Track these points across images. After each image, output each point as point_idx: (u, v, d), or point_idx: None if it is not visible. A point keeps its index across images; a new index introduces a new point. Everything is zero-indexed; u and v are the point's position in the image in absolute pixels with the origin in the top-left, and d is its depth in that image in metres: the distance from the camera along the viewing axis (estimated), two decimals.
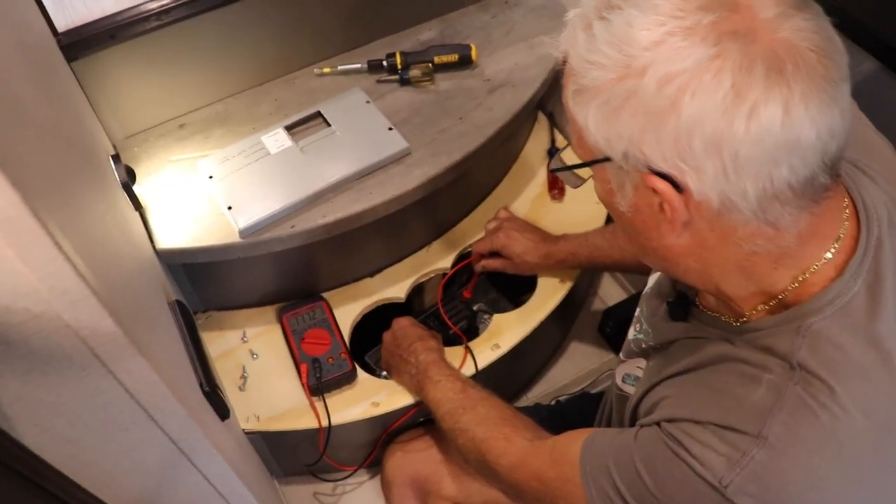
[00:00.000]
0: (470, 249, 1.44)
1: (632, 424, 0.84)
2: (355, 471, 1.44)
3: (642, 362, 0.91)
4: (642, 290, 1.48)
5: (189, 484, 0.84)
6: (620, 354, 0.99)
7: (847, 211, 0.69)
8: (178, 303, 1.07)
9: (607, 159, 0.64)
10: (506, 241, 1.34)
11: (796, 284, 0.67)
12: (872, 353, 0.65)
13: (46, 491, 0.64)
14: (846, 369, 0.65)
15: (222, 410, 0.97)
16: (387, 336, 1.31)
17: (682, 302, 0.83)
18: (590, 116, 0.63)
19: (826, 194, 0.63)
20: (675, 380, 0.78)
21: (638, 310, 0.97)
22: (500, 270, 1.38)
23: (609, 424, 1.07)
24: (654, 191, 0.62)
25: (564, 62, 0.65)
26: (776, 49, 0.56)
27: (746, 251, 0.65)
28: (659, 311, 0.87)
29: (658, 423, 0.72)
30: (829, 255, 0.67)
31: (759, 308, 0.71)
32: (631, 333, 0.96)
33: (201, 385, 0.94)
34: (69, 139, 0.85)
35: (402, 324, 1.30)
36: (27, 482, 0.61)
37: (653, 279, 0.97)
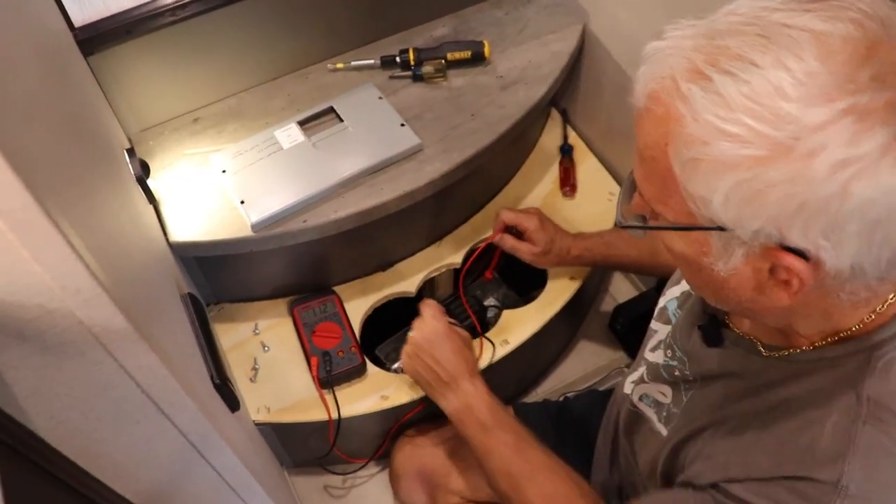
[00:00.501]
0: (482, 245, 1.44)
1: (669, 466, 0.82)
2: (365, 464, 1.45)
3: (667, 389, 0.89)
4: (653, 288, 1.47)
5: (199, 476, 0.85)
6: (643, 375, 0.97)
7: None
8: (191, 296, 1.08)
9: (721, 229, 0.57)
10: (538, 226, 1.27)
11: (872, 317, 0.64)
12: None
13: (60, 480, 0.65)
14: None
15: (232, 403, 0.98)
16: (417, 336, 1.16)
17: (715, 325, 0.80)
18: (717, 192, 0.55)
19: None
20: (724, 430, 0.74)
21: (663, 333, 0.94)
22: (519, 255, 1.30)
23: (616, 432, 1.05)
24: (778, 263, 0.57)
25: (647, 102, 0.58)
26: None
27: (843, 300, 0.61)
28: (693, 336, 0.84)
29: (715, 486, 0.69)
30: None
31: (826, 340, 0.67)
32: (658, 357, 0.93)
33: (212, 377, 0.96)
34: (83, 135, 0.86)
35: (438, 329, 1.15)
36: (42, 472, 0.62)
37: (672, 294, 0.95)
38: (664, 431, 0.88)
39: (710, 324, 0.81)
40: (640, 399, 0.95)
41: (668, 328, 0.94)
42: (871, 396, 0.62)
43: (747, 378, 0.75)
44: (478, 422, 1.06)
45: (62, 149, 0.68)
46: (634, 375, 1.00)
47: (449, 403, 1.11)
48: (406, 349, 1.17)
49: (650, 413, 0.92)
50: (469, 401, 1.08)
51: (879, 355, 0.64)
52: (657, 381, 0.92)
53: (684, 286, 0.94)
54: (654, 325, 0.98)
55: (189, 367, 0.84)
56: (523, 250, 1.29)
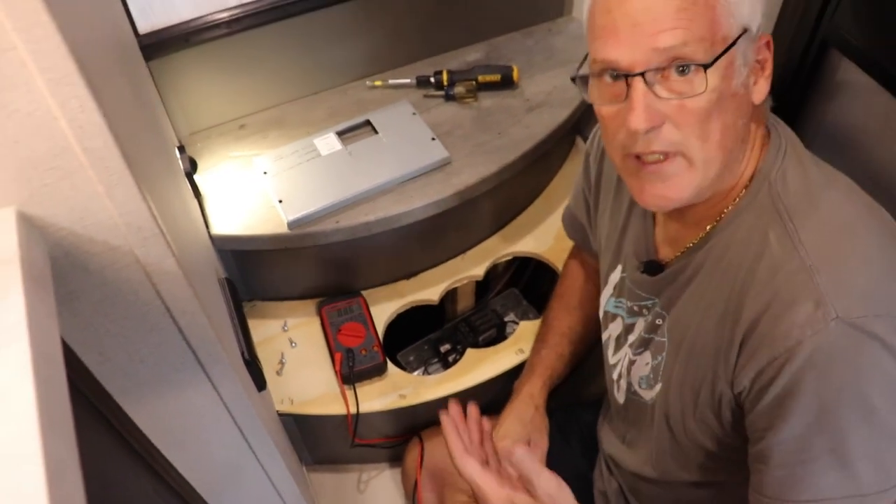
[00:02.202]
0: (503, 260, 1.51)
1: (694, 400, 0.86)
2: (383, 444, 1.47)
3: (647, 356, 0.95)
4: None
5: (228, 438, 0.92)
6: (629, 353, 0.99)
7: None
8: (228, 280, 1.16)
9: (746, 31, 0.71)
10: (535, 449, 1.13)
11: (757, 156, 0.80)
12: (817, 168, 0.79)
13: (101, 414, 0.72)
14: (817, 183, 0.77)
15: (259, 381, 1.05)
16: None
17: (652, 263, 0.92)
18: None
19: None
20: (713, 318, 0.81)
21: (618, 326, 1.02)
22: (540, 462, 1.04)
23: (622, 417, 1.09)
24: (766, 48, 0.75)
25: None
26: None
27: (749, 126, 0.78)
28: (645, 282, 0.93)
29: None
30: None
31: (740, 194, 0.80)
32: (639, 329, 0.96)
33: (242, 354, 1.03)
34: (147, 121, 0.95)
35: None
36: (88, 403, 0.69)
37: (605, 296, 1.04)
38: (656, 389, 0.93)
39: (647, 263, 0.92)
40: (639, 385, 0.98)
41: (619, 323, 1.01)
42: (784, 203, 0.76)
43: (703, 268, 0.84)
44: None
45: (133, 122, 0.76)
46: (616, 372, 1.04)
47: None
48: None
49: (642, 392, 0.97)
50: None
51: (775, 175, 0.78)
52: (639, 353, 0.97)
53: (611, 283, 1.04)
54: (605, 332, 1.06)
55: (224, 335, 0.92)
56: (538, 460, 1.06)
